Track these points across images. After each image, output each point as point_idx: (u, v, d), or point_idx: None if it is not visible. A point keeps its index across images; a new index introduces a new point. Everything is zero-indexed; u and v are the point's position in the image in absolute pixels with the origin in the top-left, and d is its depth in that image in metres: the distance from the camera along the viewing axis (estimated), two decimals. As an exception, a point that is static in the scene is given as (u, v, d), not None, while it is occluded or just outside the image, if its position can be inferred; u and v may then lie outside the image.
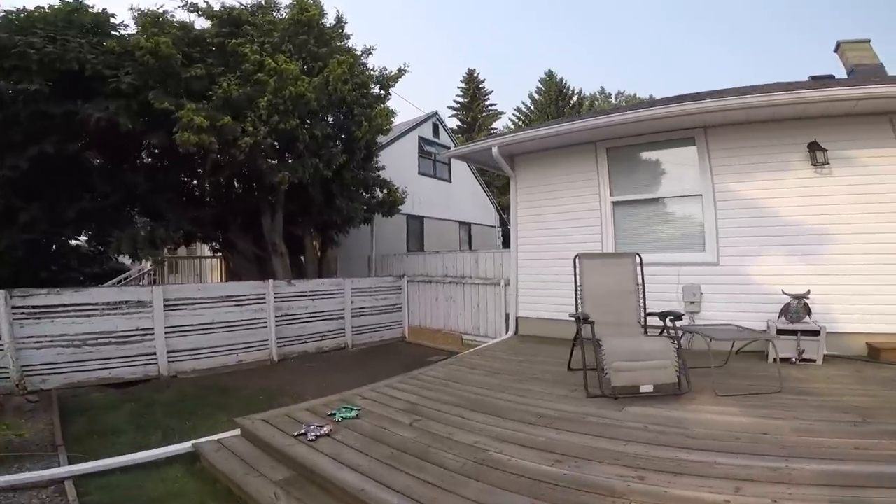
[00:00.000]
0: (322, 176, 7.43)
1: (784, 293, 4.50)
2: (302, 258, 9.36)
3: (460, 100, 30.09)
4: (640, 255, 4.36)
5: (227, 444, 3.03)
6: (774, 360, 3.67)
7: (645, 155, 5.77)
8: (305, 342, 7.73)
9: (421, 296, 9.04)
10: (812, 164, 4.64)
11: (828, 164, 4.58)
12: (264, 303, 7.09)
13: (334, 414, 3.30)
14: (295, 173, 7.03)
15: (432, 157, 13.77)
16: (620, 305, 4.21)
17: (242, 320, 6.82)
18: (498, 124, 28.48)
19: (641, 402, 3.29)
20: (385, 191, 9.20)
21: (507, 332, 6.85)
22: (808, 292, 4.44)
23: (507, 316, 6.96)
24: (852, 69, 6.45)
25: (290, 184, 7.19)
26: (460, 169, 15.08)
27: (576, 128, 5.66)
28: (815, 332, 4.26)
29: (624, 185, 5.77)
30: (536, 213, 6.46)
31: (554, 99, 26.09)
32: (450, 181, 14.57)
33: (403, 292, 9.35)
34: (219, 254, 10.74)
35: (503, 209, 17.78)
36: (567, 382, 3.95)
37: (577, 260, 4.33)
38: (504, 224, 17.01)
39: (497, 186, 18.37)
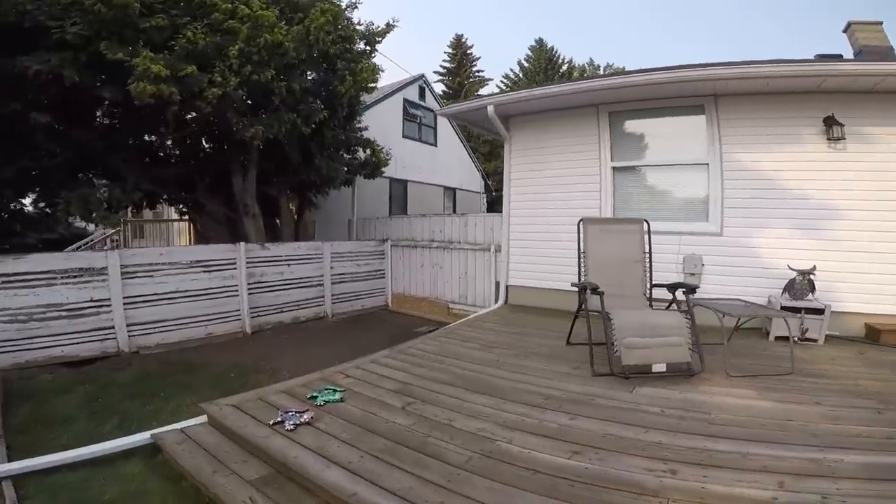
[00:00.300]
0: (300, 133, 6.76)
1: (790, 268, 4.33)
2: (277, 221, 8.77)
3: (447, 65, 29.25)
4: (647, 222, 4.08)
5: (191, 435, 2.64)
6: (792, 339, 3.49)
7: (649, 121, 5.45)
8: (281, 311, 7.27)
9: (405, 261, 8.64)
10: (827, 139, 4.42)
11: (843, 139, 4.36)
12: (235, 268, 6.56)
13: (315, 397, 2.94)
14: (270, 129, 6.35)
15: (418, 121, 13.13)
16: (625, 275, 3.95)
17: (211, 288, 6.29)
18: (485, 91, 27.58)
19: (653, 383, 3.06)
20: (368, 151, 8.57)
21: (496, 301, 6.60)
22: (814, 268, 4.27)
23: (497, 284, 6.68)
24: (860, 49, 6.17)
25: (265, 141, 6.52)
26: (446, 133, 14.49)
27: (579, 89, 5.26)
28: (819, 311, 4.12)
29: (626, 151, 5.48)
30: (531, 178, 6.10)
31: (543, 67, 25.30)
32: (435, 145, 13.96)
33: (386, 257, 8.93)
34: (186, 217, 10.00)
35: (489, 175, 17.35)
36: (567, 358, 3.71)
37: (581, 225, 4.01)
38: (489, 191, 16.59)
39: (483, 153, 17.79)
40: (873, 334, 4.17)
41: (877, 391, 2.93)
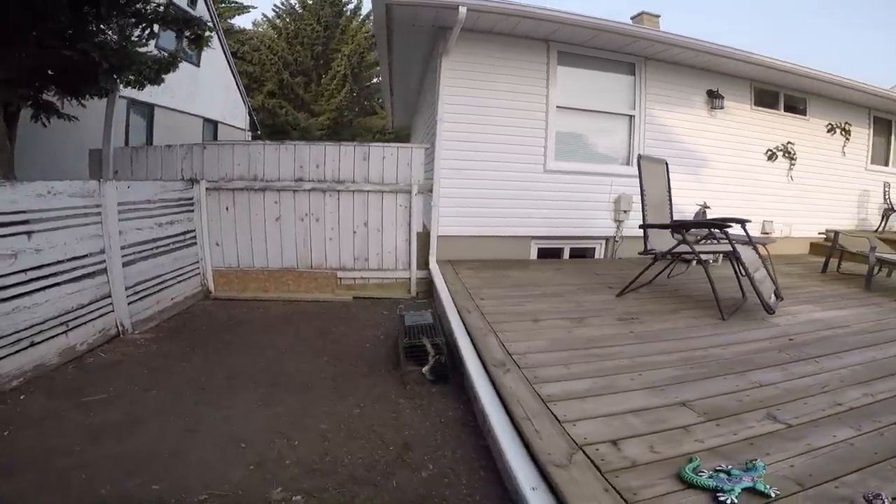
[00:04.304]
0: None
1: (698, 205, 5.46)
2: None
3: (198, -18, 20.45)
4: (667, 162, 4.21)
5: None
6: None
7: (592, 71, 5.61)
8: (32, 344, 3.20)
9: (239, 215, 5.57)
10: (711, 108, 5.87)
11: (721, 108, 5.86)
12: None
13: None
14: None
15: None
16: (662, 214, 3.99)
17: None
18: (242, 20, 21.27)
19: (762, 313, 3.24)
20: (189, 34, 4.93)
21: (415, 260, 5.36)
22: (706, 204, 5.55)
23: (421, 236, 5.41)
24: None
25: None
26: (215, 55, 10.50)
27: (555, 17, 4.76)
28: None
29: (569, 93, 5.48)
30: (470, 105, 5.20)
31: (329, 2, 21.60)
32: (198, 66, 9.89)
33: (199, 210, 5.55)
34: None
35: (255, 111, 13.82)
36: (677, 310, 3.44)
37: (640, 161, 3.76)
38: (255, 128, 13.22)
39: (244, 84, 13.89)
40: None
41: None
